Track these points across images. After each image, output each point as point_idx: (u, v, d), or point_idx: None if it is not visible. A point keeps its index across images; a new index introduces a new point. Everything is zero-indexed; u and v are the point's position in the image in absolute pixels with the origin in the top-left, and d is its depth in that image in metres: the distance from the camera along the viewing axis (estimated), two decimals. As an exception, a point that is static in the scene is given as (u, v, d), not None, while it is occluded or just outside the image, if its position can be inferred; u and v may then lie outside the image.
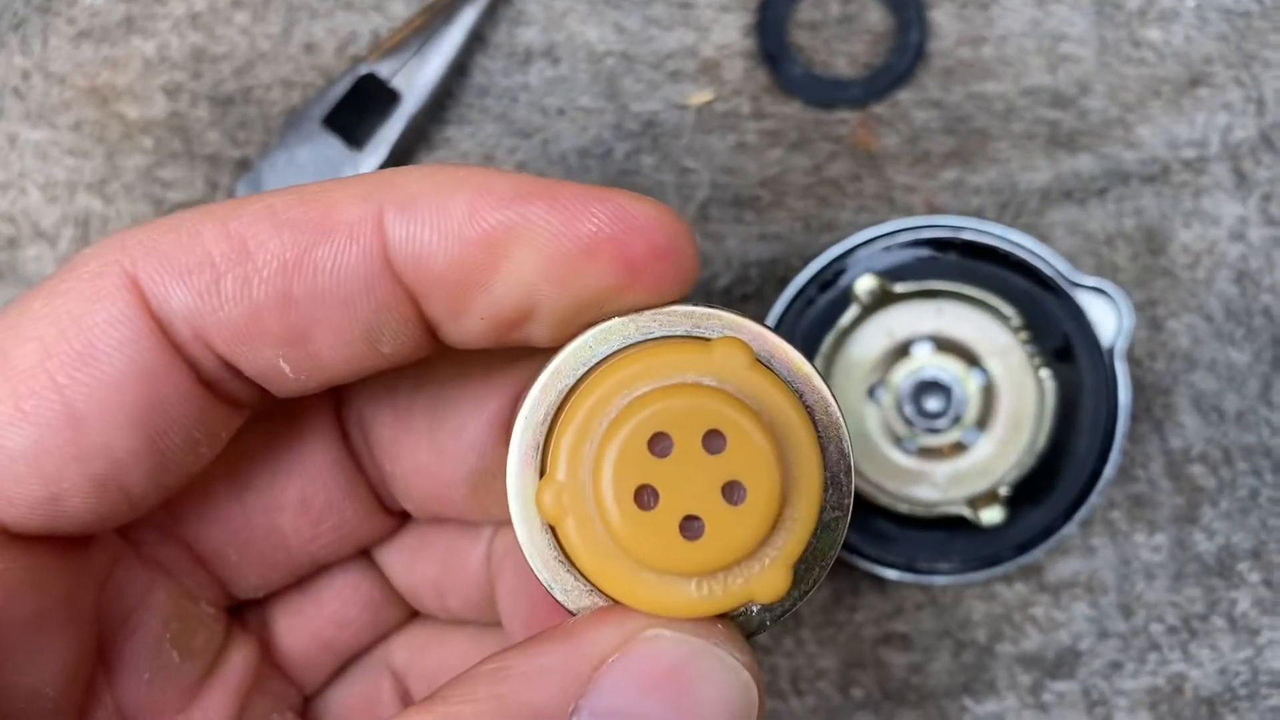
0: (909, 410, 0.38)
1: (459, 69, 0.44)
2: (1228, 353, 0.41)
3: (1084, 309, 0.38)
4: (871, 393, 0.39)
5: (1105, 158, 0.42)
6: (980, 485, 0.37)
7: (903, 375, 0.38)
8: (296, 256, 0.25)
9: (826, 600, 0.40)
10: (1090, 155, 0.42)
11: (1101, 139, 0.42)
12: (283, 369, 0.26)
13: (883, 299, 0.38)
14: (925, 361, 0.38)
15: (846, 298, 0.38)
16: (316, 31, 0.44)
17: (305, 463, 0.30)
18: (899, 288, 0.38)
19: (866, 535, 0.38)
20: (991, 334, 0.38)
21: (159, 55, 0.44)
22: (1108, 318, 0.37)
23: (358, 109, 0.43)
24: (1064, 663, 0.40)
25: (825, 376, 0.36)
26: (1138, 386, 0.41)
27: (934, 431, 0.38)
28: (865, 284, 0.37)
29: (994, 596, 0.40)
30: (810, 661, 0.40)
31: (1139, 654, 0.40)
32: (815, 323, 0.38)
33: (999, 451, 0.38)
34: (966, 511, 0.36)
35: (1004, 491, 0.36)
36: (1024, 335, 0.37)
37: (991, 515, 0.36)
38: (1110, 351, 0.37)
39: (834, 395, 0.24)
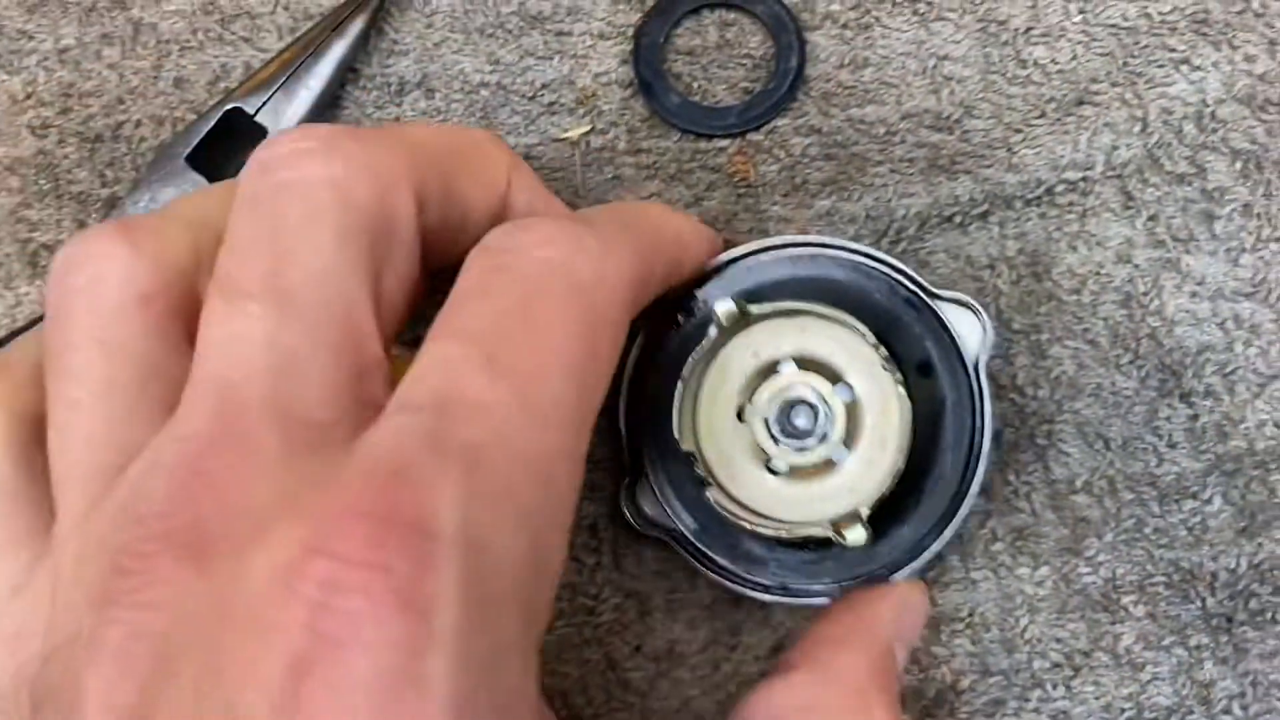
0: (776, 429, 0.37)
1: (330, 102, 0.43)
2: (1113, 379, 0.40)
3: (948, 323, 0.37)
4: (740, 415, 0.38)
5: (987, 181, 0.41)
6: (847, 504, 0.36)
7: (769, 394, 0.37)
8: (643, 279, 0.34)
9: (706, 639, 0.40)
10: (971, 178, 0.41)
11: (984, 161, 0.42)
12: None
13: (743, 321, 0.37)
14: (791, 379, 0.37)
15: (709, 321, 0.37)
16: (187, 66, 0.44)
17: None
18: (756, 309, 0.37)
19: (738, 558, 0.37)
20: (854, 350, 0.37)
21: (25, 92, 0.43)
22: (971, 331, 0.37)
23: (225, 146, 0.42)
24: (944, 701, 0.39)
25: (691, 400, 0.37)
26: (1020, 415, 0.40)
27: (802, 450, 0.37)
28: (722, 307, 0.36)
29: (872, 635, 0.39)
30: (686, 705, 0.39)
31: (1021, 691, 0.39)
32: (680, 347, 0.37)
33: (865, 470, 0.37)
34: (830, 533, 0.35)
35: (865, 512, 0.35)
36: (883, 352, 0.36)
37: (855, 535, 0.35)
38: (974, 364, 0.37)
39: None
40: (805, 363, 0.37)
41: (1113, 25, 0.42)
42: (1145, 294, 0.41)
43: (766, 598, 0.37)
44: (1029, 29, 0.42)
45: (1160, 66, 0.42)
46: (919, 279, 0.37)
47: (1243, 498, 0.39)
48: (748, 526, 0.36)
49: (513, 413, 0.25)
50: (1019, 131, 0.42)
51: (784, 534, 0.36)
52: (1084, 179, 0.41)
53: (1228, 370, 0.40)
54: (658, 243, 0.34)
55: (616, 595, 0.39)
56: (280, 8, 0.44)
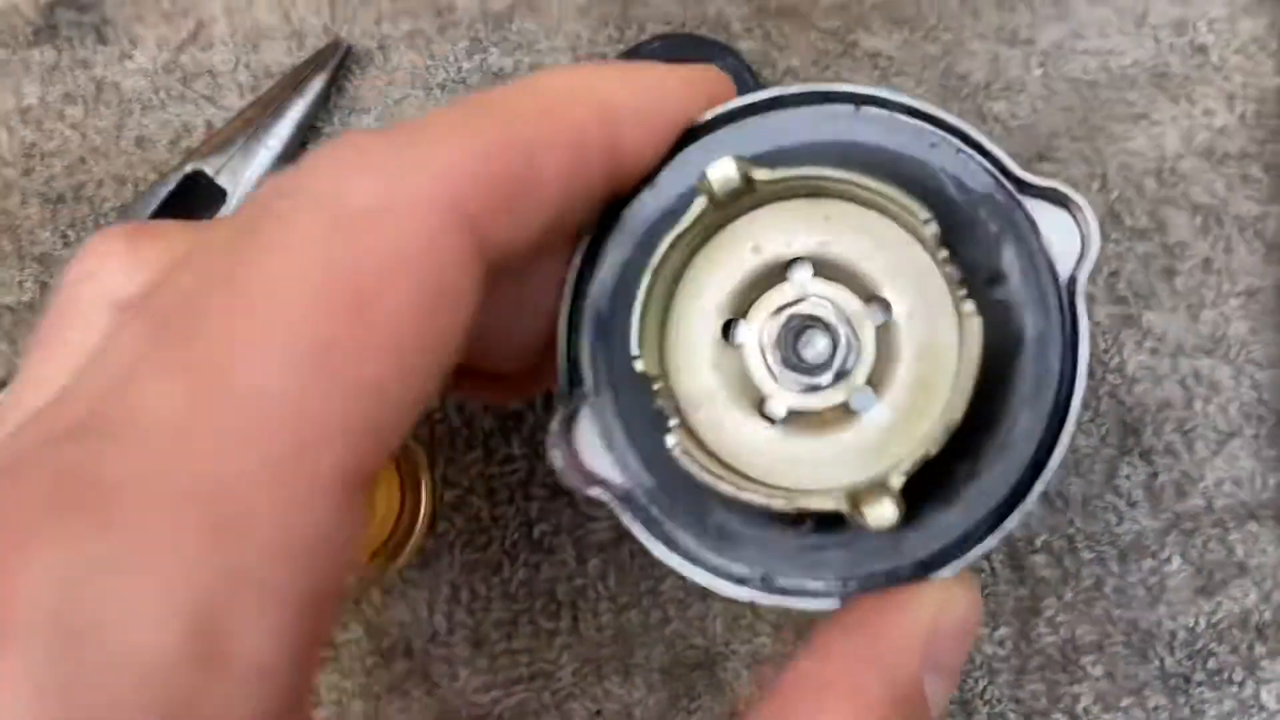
0: (777, 360, 0.28)
1: (291, 159, 0.43)
2: (1074, 437, 0.40)
3: (1037, 223, 0.27)
4: (727, 332, 0.28)
5: (947, 239, 0.41)
6: (871, 469, 0.27)
7: (771, 309, 0.28)
8: (569, 174, 0.25)
9: (665, 702, 0.40)
10: (930, 237, 0.41)
11: (943, 219, 0.42)
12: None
13: (746, 196, 0.27)
14: (804, 291, 0.28)
15: (695, 190, 0.27)
16: (149, 125, 0.44)
17: None
18: (765, 176, 0.27)
19: (705, 532, 0.27)
20: (899, 253, 0.27)
21: (-12, 154, 0.43)
22: (1068, 239, 0.27)
23: (186, 208, 0.42)
24: (903, 763, 0.39)
25: (660, 304, 0.28)
26: (980, 475, 0.40)
27: (812, 390, 0.27)
28: (720, 171, 0.26)
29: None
30: (646, 766, 0.40)
31: (980, 752, 0.39)
32: (652, 227, 0.28)
33: (900, 423, 0.27)
34: (844, 506, 0.25)
35: (897, 481, 0.25)
36: (944, 255, 0.26)
37: (881, 514, 0.25)
38: (1069, 284, 0.27)
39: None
40: (826, 267, 0.28)
41: (1073, 79, 0.42)
42: (1105, 351, 0.41)
43: (741, 592, 0.27)
44: (989, 83, 0.42)
45: (1120, 121, 0.42)
46: (1001, 156, 0.27)
47: (1201, 557, 0.40)
48: (724, 489, 0.26)
49: (187, 426, 0.18)
50: (978, 188, 0.42)
51: (776, 503, 0.26)
52: (1043, 236, 0.41)
53: (1187, 428, 0.40)
54: (543, 127, 0.25)
55: (574, 660, 0.40)
56: (242, 66, 0.44)
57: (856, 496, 0.25)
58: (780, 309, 0.28)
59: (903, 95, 0.28)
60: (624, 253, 0.28)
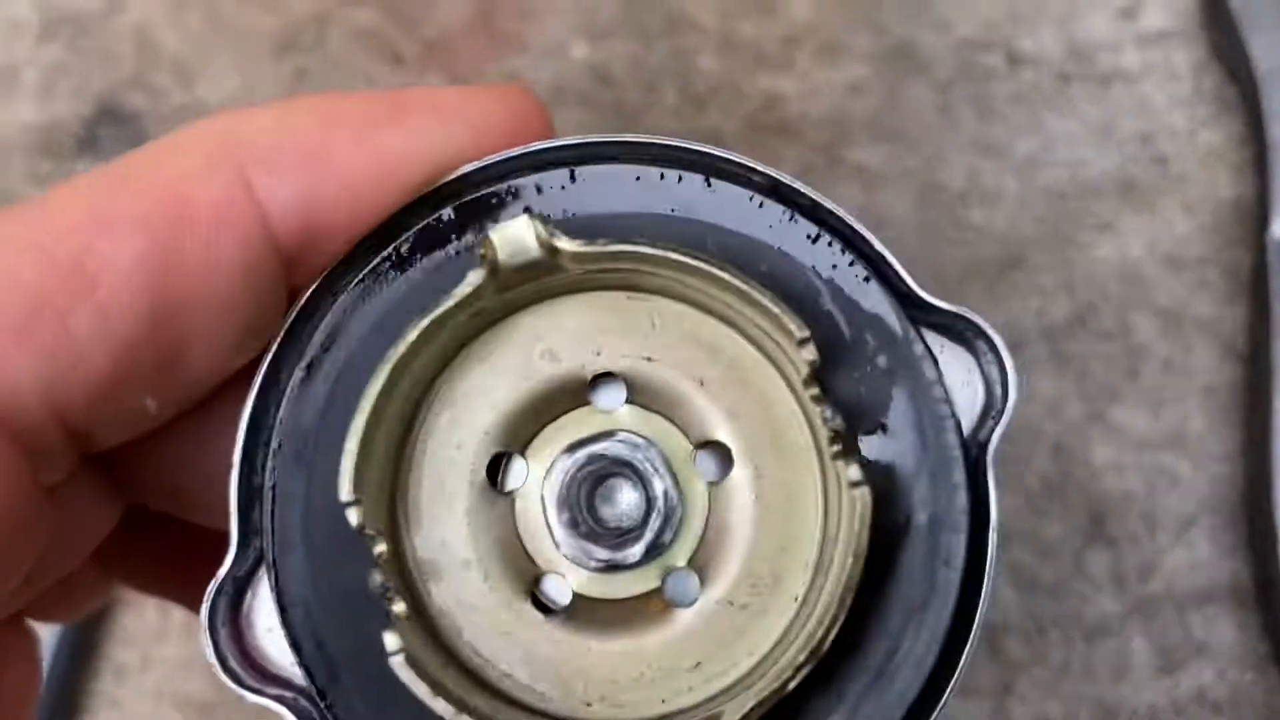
0: (565, 519, 0.20)
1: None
2: (1044, 526, 0.44)
3: (937, 361, 0.20)
4: (494, 472, 0.20)
5: (927, 342, 0.45)
6: (685, 693, 0.19)
7: (561, 445, 0.20)
8: (158, 265, 0.19)
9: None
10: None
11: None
12: (147, 409, 0.21)
13: (542, 274, 0.19)
14: (613, 422, 0.20)
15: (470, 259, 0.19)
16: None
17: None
18: (573, 247, 0.19)
19: None
20: (749, 383, 0.20)
21: None
22: (973, 387, 0.20)
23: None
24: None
25: (398, 425, 0.20)
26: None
27: (611, 568, 0.20)
28: (511, 233, 0.18)
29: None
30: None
31: (957, 819, 0.43)
32: (395, 305, 0.20)
33: (731, 626, 0.20)
34: None
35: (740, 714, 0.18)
36: (814, 393, 0.19)
37: None
38: (977, 449, 0.20)
39: None
40: (646, 392, 0.20)
41: (1044, 189, 0.45)
42: (1074, 446, 0.44)
43: None
44: (966, 193, 0.46)
45: (1087, 230, 0.45)
46: (898, 267, 0.21)
47: (1162, 637, 0.43)
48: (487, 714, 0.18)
49: None
50: (955, 294, 0.45)
51: None
52: (1016, 339, 0.45)
53: (1149, 516, 0.44)
54: (100, 204, 0.19)
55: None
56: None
57: None
58: (575, 445, 0.20)
59: (775, 171, 0.21)
60: (344, 353, 0.20)
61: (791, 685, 0.18)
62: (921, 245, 0.45)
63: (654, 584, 0.20)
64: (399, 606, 0.18)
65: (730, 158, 0.21)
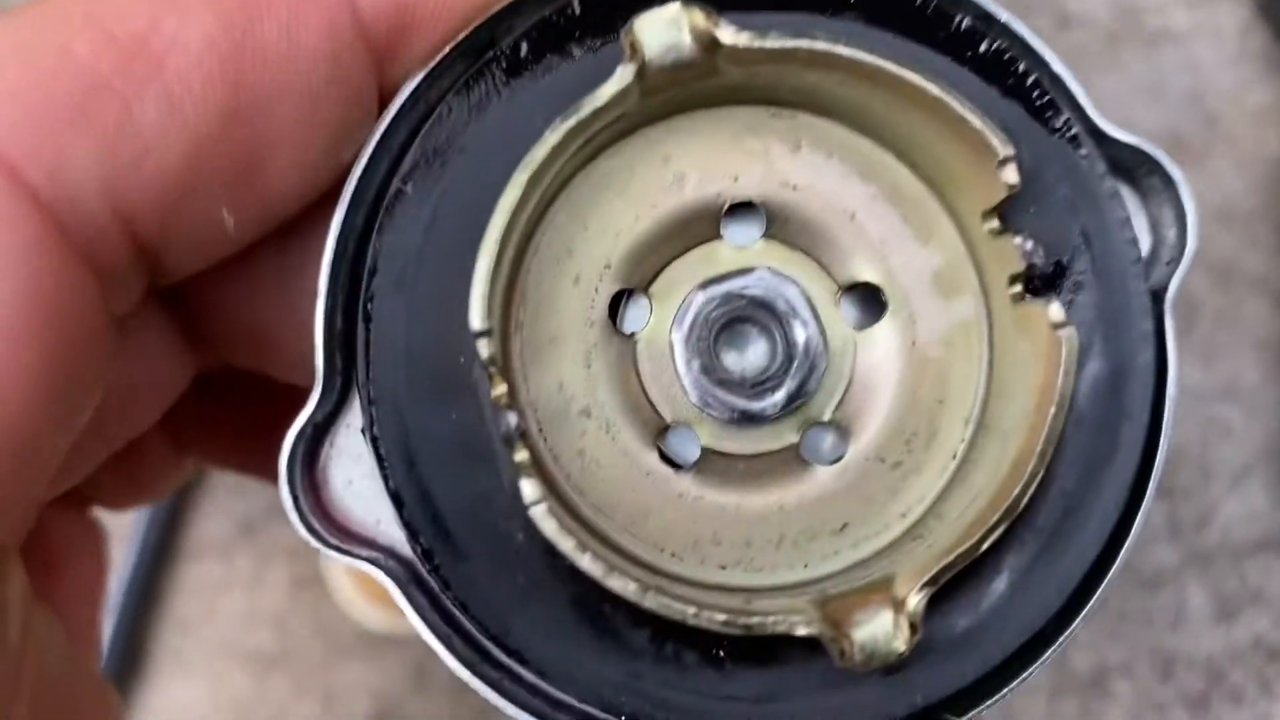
0: (695, 366, 0.18)
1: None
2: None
3: (1123, 200, 0.18)
4: (615, 311, 0.18)
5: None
6: (832, 559, 0.17)
7: (693, 283, 0.18)
8: (232, 50, 0.16)
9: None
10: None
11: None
12: (224, 222, 0.18)
13: (692, 80, 0.16)
14: (749, 259, 0.18)
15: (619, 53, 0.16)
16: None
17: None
18: (740, 40, 0.16)
19: (580, 646, 0.17)
20: (909, 216, 0.18)
21: None
22: (1145, 229, 0.19)
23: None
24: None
25: (511, 258, 0.17)
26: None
27: (747, 420, 0.18)
28: (667, 16, 0.16)
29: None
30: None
31: (1018, 764, 0.43)
32: (526, 105, 0.17)
33: (887, 484, 0.18)
34: (814, 628, 0.16)
35: (916, 597, 0.16)
36: (995, 226, 0.17)
37: (880, 641, 0.15)
38: (1157, 295, 0.19)
39: None
40: (788, 225, 0.18)
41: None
42: (1128, 398, 0.45)
43: None
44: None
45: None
46: (1080, 94, 0.19)
47: (1218, 586, 0.43)
48: (615, 587, 0.16)
49: None
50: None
51: (711, 620, 0.16)
52: (1070, 292, 0.45)
53: (1204, 468, 0.44)
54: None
55: None
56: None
57: (834, 610, 0.16)
58: (708, 283, 0.17)
59: None
60: (450, 165, 0.17)
61: (984, 547, 0.16)
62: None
63: (793, 439, 0.18)
64: (522, 454, 0.15)
65: None
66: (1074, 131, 0.18)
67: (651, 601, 0.15)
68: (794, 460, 0.18)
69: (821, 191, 0.18)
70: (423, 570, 0.17)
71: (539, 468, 0.16)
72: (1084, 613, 0.18)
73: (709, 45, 0.16)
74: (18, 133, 0.15)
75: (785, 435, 0.18)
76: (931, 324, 0.18)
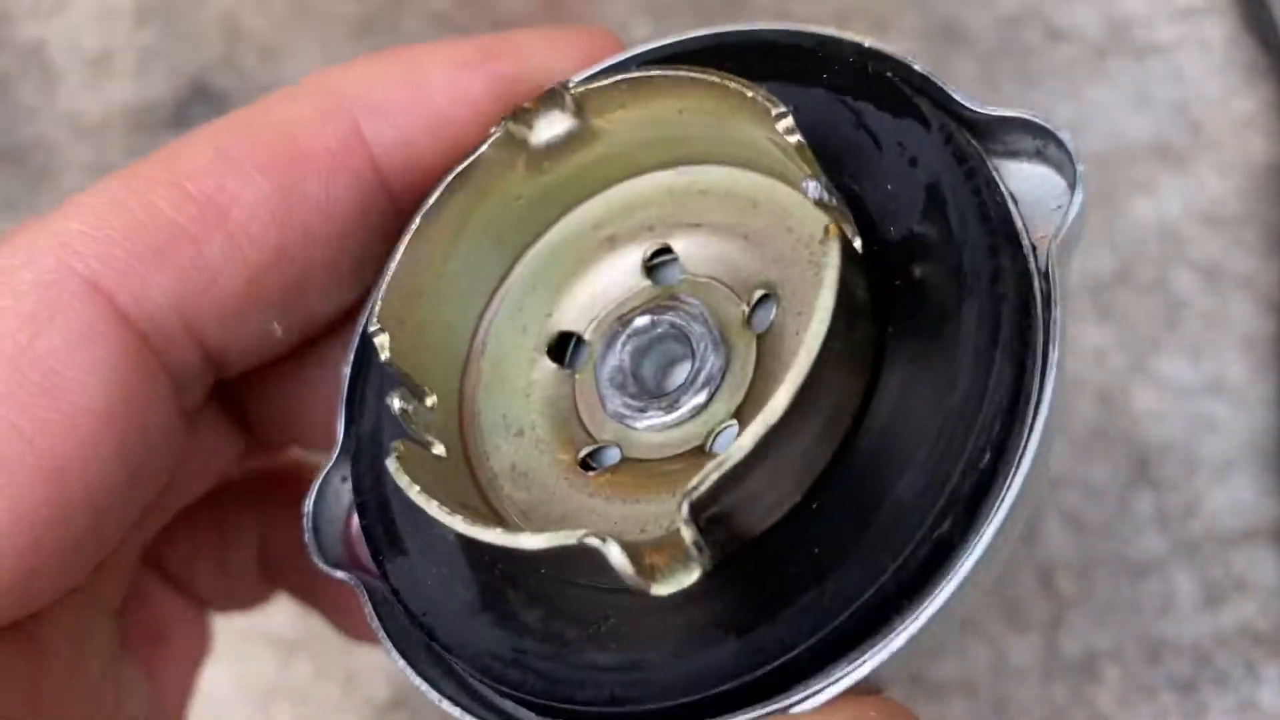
0: (615, 387, 0.21)
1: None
2: (1090, 471, 0.46)
3: (996, 174, 0.20)
4: (564, 349, 0.22)
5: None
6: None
7: (615, 316, 0.21)
8: (282, 202, 0.21)
9: None
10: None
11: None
12: (274, 332, 0.23)
13: (580, 148, 0.21)
14: (665, 295, 0.21)
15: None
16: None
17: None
18: (578, 81, 0.21)
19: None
20: (788, 224, 0.20)
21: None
22: (1039, 189, 0.20)
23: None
24: (944, 757, 0.45)
25: (466, 303, 0.22)
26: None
27: (661, 432, 0.20)
28: (531, 101, 0.21)
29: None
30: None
31: (1011, 747, 0.45)
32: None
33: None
34: (614, 556, 0.17)
35: (685, 519, 0.17)
36: (831, 199, 0.18)
37: (672, 577, 0.17)
38: (1041, 256, 0.19)
39: None
40: (695, 259, 0.21)
41: (1085, 154, 0.48)
42: (1117, 393, 0.46)
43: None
44: (1011, 158, 0.48)
45: (1127, 192, 0.47)
46: (940, 83, 0.21)
47: (1204, 574, 0.45)
48: (437, 514, 0.19)
49: None
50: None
51: (489, 536, 0.18)
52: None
53: (1191, 460, 0.46)
54: (233, 145, 0.21)
55: None
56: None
57: (639, 547, 0.17)
58: (624, 317, 0.21)
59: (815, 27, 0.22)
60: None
61: (733, 461, 0.16)
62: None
63: (699, 441, 0.20)
64: (398, 402, 0.20)
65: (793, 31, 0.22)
66: (916, 112, 0.20)
67: (462, 526, 0.18)
68: (700, 455, 0.20)
69: (720, 224, 0.21)
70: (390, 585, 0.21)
71: (475, 481, 0.21)
72: (938, 598, 0.17)
73: (554, 99, 0.20)
74: (114, 268, 0.20)
75: (694, 439, 0.20)
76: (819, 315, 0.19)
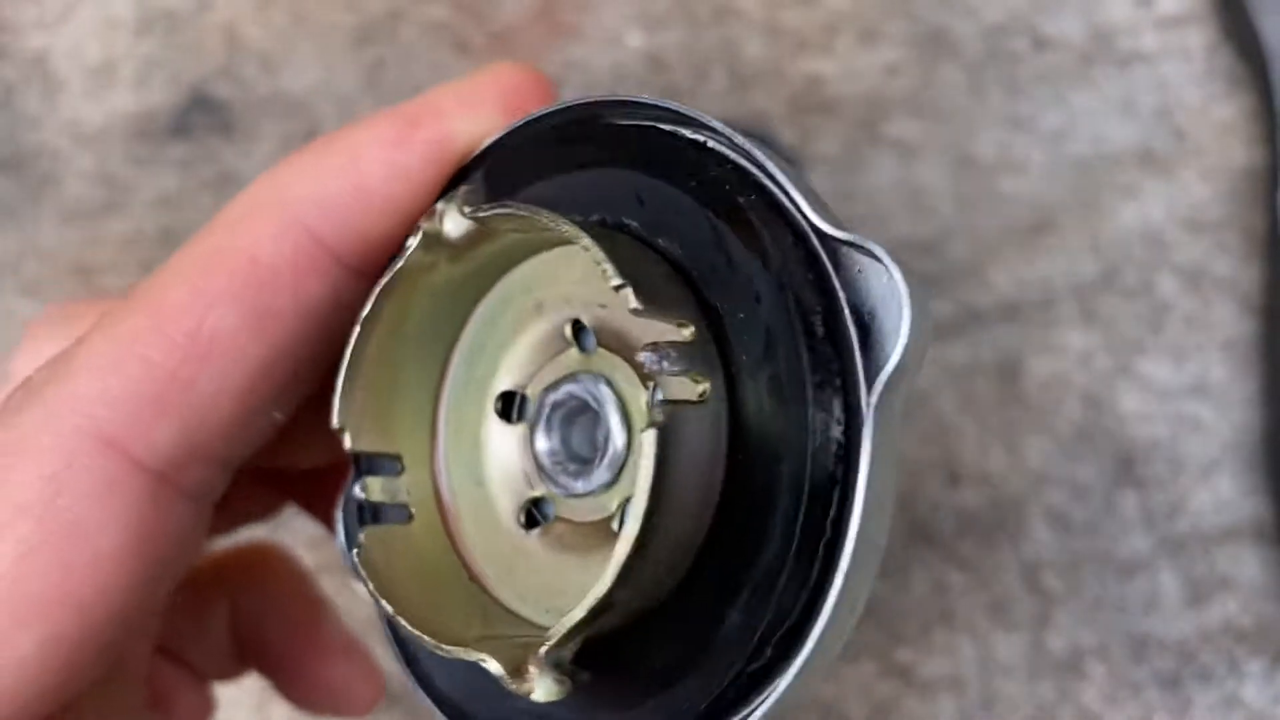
0: (542, 450, 0.23)
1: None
2: (1075, 470, 0.47)
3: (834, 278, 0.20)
4: (512, 404, 0.24)
5: (963, 300, 0.48)
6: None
7: (544, 383, 0.23)
8: (258, 322, 0.24)
9: None
10: (950, 300, 0.48)
11: (960, 283, 0.48)
12: (276, 420, 0.26)
13: (485, 241, 0.23)
14: (584, 364, 0.23)
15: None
16: (272, 209, 0.51)
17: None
18: (454, 223, 0.22)
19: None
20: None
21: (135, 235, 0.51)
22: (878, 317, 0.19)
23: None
24: (933, 753, 0.45)
25: (420, 367, 0.24)
26: (995, 503, 0.47)
27: (576, 495, 0.22)
28: (437, 214, 0.22)
29: (866, 691, 0.46)
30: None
31: (999, 743, 0.45)
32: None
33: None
34: (495, 668, 0.19)
35: (539, 655, 0.19)
36: (689, 331, 0.19)
37: (528, 686, 0.19)
38: (861, 395, 0.19)
39: None
40: (605, 332, 0.22)
41: (1070, 160, 0.49)
42: (1102, 395, 0.47)
43: None
44: (996, 164, 0.49)
45: (1111, 197, 0.48)
46: (794, 195, 0.20)
47: (1189, 572, 0.46)
48: (384, 609, 0.21)
49: None
50: (990, 256, 0.48)
51: (436, 647, 0.20)
52: (1047, 297, 0.48)
53: (1175, 460, 0.47)
54: (199, 285, 0.24)
55: None
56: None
57: (521, 657, 0.19)
58: (550, 386, 0.22)
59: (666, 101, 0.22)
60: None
61: (573, 621, 0.19)
62: (957, 213, 0.49)
63: (611, 510, 0.22)
64: (349, 494, 0.24)
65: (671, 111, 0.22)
66: (781, 259, 0.20)
67: (403, 631, 0.21)
68: (608, 527, 0.22)
69: (619, 306, 0.21)
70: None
71: (447, 532, 0.24)
72: (802, 655, 0.19)
73: (443, 220, 0.22)
74: (122, 423, 0.23)
75: (608, 506, 0.22)
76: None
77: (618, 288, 0.18)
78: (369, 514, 0.23)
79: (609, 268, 0.18)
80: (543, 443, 0.22)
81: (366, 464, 0.23)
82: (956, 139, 0.49)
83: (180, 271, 0.24)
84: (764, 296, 0.19)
